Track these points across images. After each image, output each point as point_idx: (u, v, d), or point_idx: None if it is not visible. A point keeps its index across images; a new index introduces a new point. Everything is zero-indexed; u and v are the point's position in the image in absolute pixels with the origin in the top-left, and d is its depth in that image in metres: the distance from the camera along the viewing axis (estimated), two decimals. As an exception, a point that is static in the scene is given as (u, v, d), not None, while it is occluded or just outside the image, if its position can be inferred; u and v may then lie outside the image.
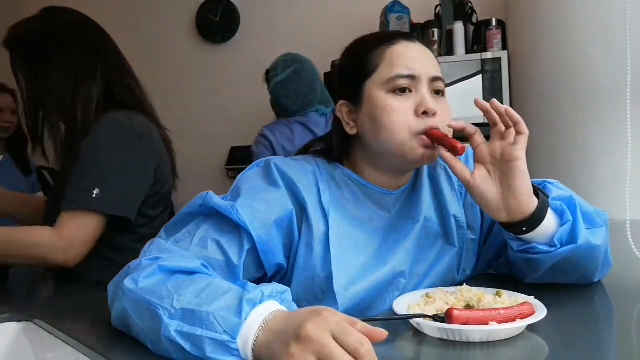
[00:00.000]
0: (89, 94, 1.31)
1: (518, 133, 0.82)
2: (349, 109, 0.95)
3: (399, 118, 0.88)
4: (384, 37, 0.94)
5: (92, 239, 1.22)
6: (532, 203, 0.82)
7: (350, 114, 0.95)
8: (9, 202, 1.48)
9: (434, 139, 0.87)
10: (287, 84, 2.18)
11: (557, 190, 0.90)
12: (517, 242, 0.86)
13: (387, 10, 2.99)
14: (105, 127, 1.26)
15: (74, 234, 1.20)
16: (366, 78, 0.92)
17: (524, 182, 0.82)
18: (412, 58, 0.91)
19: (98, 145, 1.24)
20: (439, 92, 0.92)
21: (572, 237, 0.84)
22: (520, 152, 0.82)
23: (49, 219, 1.28)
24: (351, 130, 0.94)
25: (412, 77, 0.89)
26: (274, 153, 2.14)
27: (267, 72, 2.27)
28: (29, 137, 1.39)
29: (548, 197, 0.86)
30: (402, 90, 0.89)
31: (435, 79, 0.91)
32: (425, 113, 0.88)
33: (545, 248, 0.84)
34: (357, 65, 0.94)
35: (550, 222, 0.84)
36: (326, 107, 2.24)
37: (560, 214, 0.85)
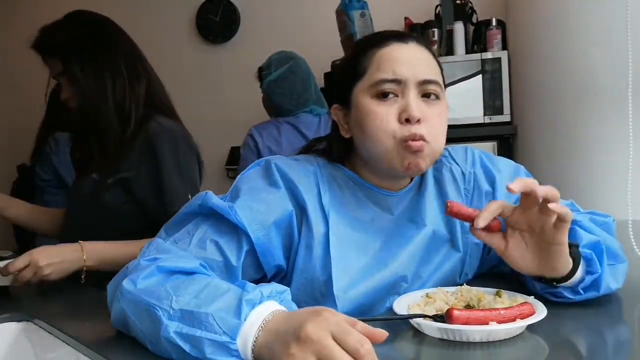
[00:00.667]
0: (139, 94, 1.36)
1: (562, 220, 0.76)
2: (344, 113, 0.94)
3: (382, 124, 0.86)
4: (375, 39, 0.92)
5: None
6: (568, 268, 0.80)
7: (345, 118, 0.94)
8: (28, 213, 1.50)
9: (453, 214, 0.82)
10: (282, 82, 2.12)
11: (586, 235, 0.85)
12: (542, 285, 0.84)
13: (346, 8, 2.58)
14: (179, 138, 1.35)
15: None
16: (356, 82, 0.91)
17: (565, 262, 0.79)
18: (400, 61, 0.87)
19: (179, 158, 1.32)
20: (429, 95, 0.88)
21: (595, 285, 0.82)
22: (565, 237, 0.77)
23: (71, 219, 1.36)
24: (346, 134, 0.94)
25: (397, 82, 0.86)
26: (259, 154, 2.11)
27: (260, 69, 2.21)
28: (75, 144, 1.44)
29: (578, 245, 0.82)
30: (386, 95, 0.87)
31: (425, 82, 0.87)
32: (408, 120, 0.85)
33: (569, 295, 0.82)
34: (349, 68, 0.93)
35: (579, 273, 0.81)
36: (320, 107, 2.20)
37: (588, 262, 0.82)
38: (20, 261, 1.13)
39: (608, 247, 0.84)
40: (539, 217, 0.77)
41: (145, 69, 1.41)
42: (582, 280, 0.81)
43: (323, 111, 2.20)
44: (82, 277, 1.18)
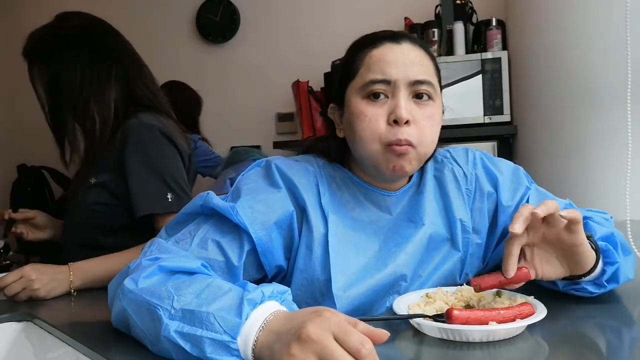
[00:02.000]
0: (104, 96, 1.35)
1: (575, 222, 0.76)
2: (339, 113, 0.94)
3: (370, 126, 0.86)
4: (369, 40, 0.91)
5: None
6: (592, 260, 0.81)
7: (340, 118, 0.94)
8: (58, 228, 1.51)
9: (484, 289, 0.80)
10: None
11: (598, 227, 0.88)
12: (564, 282, 0.85)
13: None
14: (146, 132, 1.32)
15: None
16: (349, 82, 0.91)
17: (589, 256, 0.80)
18: (391, 62, 0.87)
19: (146, 151, 1.31)
20: (421, 96, 0.87)
21: (615, 276, 0.84)
22: (582, 236, 0.78)
23: (70, 216, 1.37)
24: (340, 134, 0.94)
25: (386, 82, 0.86)
26: None
27: None
28: (58, 147, 1.42)
29: (591, 236, 0.84)
30: (376, 96, 0.86)
31: (416, 83, 0.86)
32: (396, 122, 0.85)
33: (593, 289, 0.84)
34: (343, 69, 0.93)
35: (599, 265, 0.83)
36: None
37: (604, 254, 0.84)
38: (12, 276, 1.13)
39: (621, 242, 0.87)
40: (549, 230, 0.78)
41: (126, 72, 1.40)
42: (603, 272, 0.83)
43: None
44: (72, 294, 1.18)
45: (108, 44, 1.40)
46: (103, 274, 1.20)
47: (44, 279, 1.14)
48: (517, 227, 0.75)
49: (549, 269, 0.82)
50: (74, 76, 1.35)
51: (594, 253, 0.81)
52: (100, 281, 1.20)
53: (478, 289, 0.79)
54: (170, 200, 1.29)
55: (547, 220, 0.77)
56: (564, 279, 0.84)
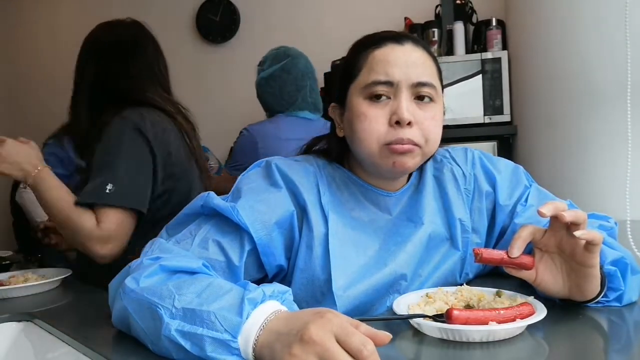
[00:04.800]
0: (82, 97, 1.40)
1: (592, 244, 0.74)
2: (340, 112, 0.94)
3: (371, 126, 0.86)
4: (372, 40, 0.91)
5: (126, 236, 1.27)
6: (596, 291, 0.79)
7: (340, 117, 0.94)
8: None
9: (484, 261, 0.79)
10: (272, 81, 1.98)
11: (610, 252, 0.83)
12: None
13: None
14: (115, 128, 1.32)
15: (112, 229, 1.24)
16: (351, 82, 0.90)
17: (595, 286, 0.78)
18: (393, 63, 0.86)
19: (109, 146, 1.30)
20: (423, 98, 0.87)
21: (618, 300, 0.82)
22: (596, 259, 0.75)
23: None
24: (340, 133, 0.94)
25: (389, 84, 0.86)
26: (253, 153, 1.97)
27: (260, 63, 2.10)
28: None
29: (602, 267, 0.81)
30: (378, 97, 0.86)
31: (419, 85, 0.86)
32: (398, 123, 0.85)
33: (592, 305, 0.82)
34: (345, 68, 0.93)
35: (601, 295, 0.81)
36: (313, 112, 2.03)
37: (610, 279, 0.82)
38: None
39: (631, 264, 0.84)
40: (568, 239, 0.77)
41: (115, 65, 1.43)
42: (605, 296, 0.81)
43: (315, 116, 2.04)
44: (22, 187, 1.24)
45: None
46: (53, 198, 1.24)
47: (9, 158, 1.24)
48: (546, 210, 0.74)
49: (549, 279, 0.80)
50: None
51: (599, 283, 0.79)
52: (46, 199, 1.24)
53: (479, 259, 0.78)
54: (108, 191, 1.24)
55: (571, 228, 0.75)
56: (562, 300, 0.82)
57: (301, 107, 2.01)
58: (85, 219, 1.23)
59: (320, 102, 2.09)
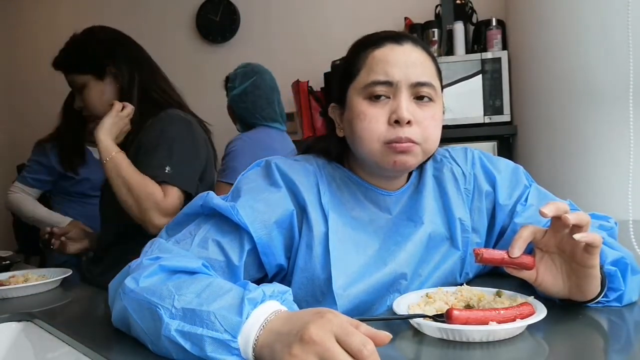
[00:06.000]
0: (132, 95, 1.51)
1: (592, 246, 0.74)
2: (340, 112, 0.95)
3: (371, 126, 0.86)
4: (372, 40, 0.91)
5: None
6: (596, 292, 0.79)
7: (340, 117, 0.95)
8: (93, 238, 1.62)
9: (485, 261, 0.78)
10: (245, 97, 2.15)
11: (610, 252, 0.83)
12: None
13: None
14: (167, 119, 1.44)
15: (173, 203, 1.37)
16: (350, 82, 0.91)
17: (595, 286, 0.78)
18: (393, 63, 0.87)
19: (164, 132, 1.42)
20: (422, 98, 0.87)
21: (618, 300, 0.82)
22: (596, 260, 0.76)
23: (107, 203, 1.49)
24: (340, 133, 0.95)
25: (389, 84, 0.86)
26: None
27: (226, 80, 2.25)
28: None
29: (602, 266, 0.81)
30: (378, 97, 0.87)
31: (418, 85, 0.87)
32: (397, 122, 0.85)
33: (592, 305, 0.82)
34: (345, 68, 0.93)
35: (601, 295, 0.81)
36: (281, 124, 2.21)
37: (611, 279, 0.82)
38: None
39: (632, 264, 0.84)
40: (568, 240, 0.77)
41: (144, 79, 1.55)
42: (605, 296, 0.81)
43: (284, 127, 2.22)
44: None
45: (132, 52, 1.54)
46: (130, 172, 1.35)
47: (110, 129, 1.39)
48: (548, 210, 0.74)
49: (550, 279, 0.80)
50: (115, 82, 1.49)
51: (599, 283, 0.79)
52: (122, 178, 1.35)
53: (479, 259, 0.78)
54: (167, 171, 1.37)
55: (573, 230, 0.75)
56: (562, 300, 0.83)
57: (273, 118, 2.19)
58: (156, 190, 1.35)
59: (285, 114, 2.28)
